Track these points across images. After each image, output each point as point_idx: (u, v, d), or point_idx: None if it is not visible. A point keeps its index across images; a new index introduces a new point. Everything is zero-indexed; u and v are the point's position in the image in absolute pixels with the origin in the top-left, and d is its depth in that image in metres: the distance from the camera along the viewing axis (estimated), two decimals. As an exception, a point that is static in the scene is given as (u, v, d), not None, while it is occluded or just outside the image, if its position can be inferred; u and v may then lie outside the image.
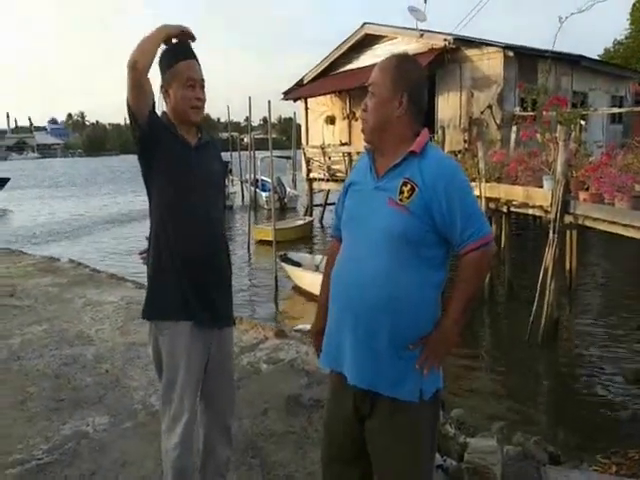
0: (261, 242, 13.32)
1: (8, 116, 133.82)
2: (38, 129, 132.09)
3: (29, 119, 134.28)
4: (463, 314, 1.62)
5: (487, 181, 8.15)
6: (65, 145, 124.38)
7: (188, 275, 2.01)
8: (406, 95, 1.62)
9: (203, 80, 2.03)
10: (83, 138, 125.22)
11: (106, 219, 19.91)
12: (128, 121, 1.95)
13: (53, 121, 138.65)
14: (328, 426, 1.82)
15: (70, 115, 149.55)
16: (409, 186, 1.57)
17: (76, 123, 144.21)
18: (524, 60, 12.23)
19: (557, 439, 4.11)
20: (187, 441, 2.02)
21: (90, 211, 22.49)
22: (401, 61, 1.67)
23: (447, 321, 1.61)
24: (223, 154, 2.47)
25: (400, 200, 1.57)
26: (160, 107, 2.08)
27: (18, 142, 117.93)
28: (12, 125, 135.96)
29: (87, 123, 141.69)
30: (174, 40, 1.98)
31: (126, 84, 1.85)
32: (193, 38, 2.02)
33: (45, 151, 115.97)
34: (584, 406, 5.14)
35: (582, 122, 8.93)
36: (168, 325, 2.02)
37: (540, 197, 7.02)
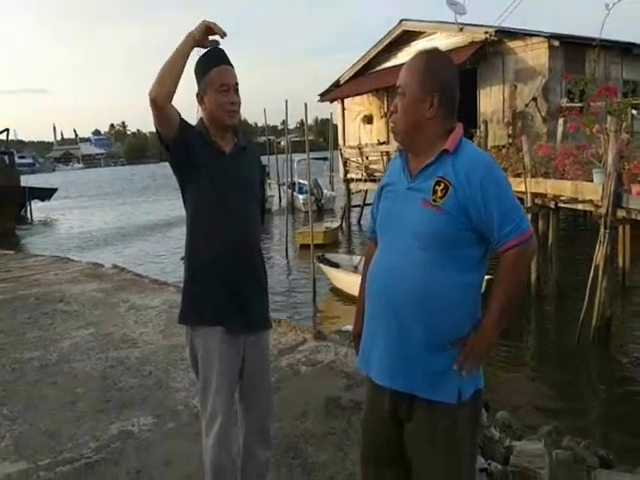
0: (304, 246, 12.69)
1: (55, 128, 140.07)
2: (83, 140, 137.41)
3: (74, 131, 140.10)
4: (504, 314, 1.56)
5: (533, 176, 7.90)
6: (108, 155, 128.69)
7: (221, 281, 2.03)
8: (437, 95, 1.57)
9: (237, 84, 2.05)
10: (125, 147, 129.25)
11: (148, 225, 20.49)
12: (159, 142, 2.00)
13: (96, 132, 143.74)
14: (365, 427, 1.81)
15: (112, 125, 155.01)
16: (442, 185, 1.53)
17: (118, 133, 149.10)
18: (571, 49, 11.78)
19: (609, 442, 3.94)
20: (224, 441, 2.04)
21: (132, 218, 23.20)
22: (429, 60, 1.61)
23: (487, 321, 1.56)
24: (260, 158, 2.48)
25: (434, 200, 1.53)
26: (197, 115, 2.11)
27: (64, 153, 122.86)
28: (58, 137, 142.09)
29: (128, 132, 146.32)
30: (210, 38, 1.96)
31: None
32: (222, 33, 1.96)
33: (89, 161, 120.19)
34: (637, 407, 4.91)
35: (634, 111, 8.55)
36: (202, 328, 2.05)
37: (590, 191, 6.76)
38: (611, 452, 3.06)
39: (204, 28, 1.90)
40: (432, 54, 1.64)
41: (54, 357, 4.33)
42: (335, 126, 20.48)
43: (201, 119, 2.08)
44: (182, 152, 1.98)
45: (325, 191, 21.24)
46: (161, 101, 1.86)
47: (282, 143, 26.04)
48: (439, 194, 1.52)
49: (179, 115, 1.95)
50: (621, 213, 6.21)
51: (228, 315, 2.03)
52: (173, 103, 1.93)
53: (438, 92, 1.57)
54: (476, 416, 1.67)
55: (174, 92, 1.88)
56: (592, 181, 6.76)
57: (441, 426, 1.56)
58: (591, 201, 6.83)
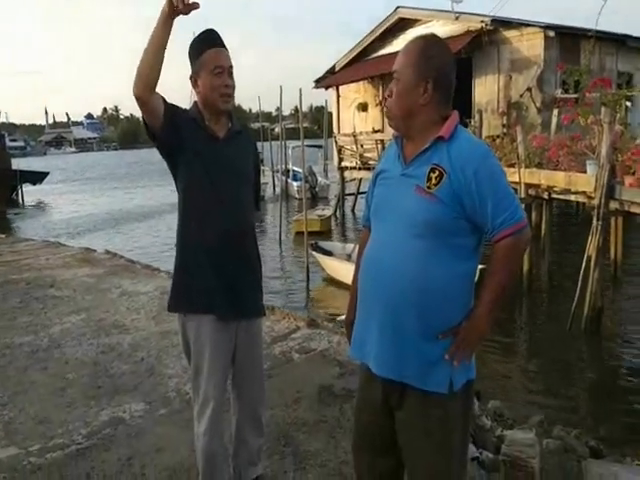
0: (300, 234, 12.46)
1: (46, 112, 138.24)
2: (75, 124, 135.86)
3: (66, 114, 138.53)
4: (496, 304, 1.55)
5: (527, 167, 7.90)
6: (101, 139, 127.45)
7: (213, 268, 2.00)
8: (431, 82, 1.55)
9: (231, 67, 2.01)
10: (118, 131, 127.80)
11: (139, 211, 20.30)
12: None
13: (89, 116, 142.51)
14: (358, 416, 1.80)
15: (105, 109, 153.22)
16: (437, 172, 1.51)
17: (111, 117, 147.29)
18: (566, 40, 11.77)
19: (599, 432, 3.98)
20: (216, 428, 2.04)
21: (124, 203, 22.97)
22: (426, 46, 1.59)
23: (479, 311, 1.55)
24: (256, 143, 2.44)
25: (428, 187, 1.51)
26: (190, 99, 2.06)
27: (56, 137, 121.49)
28: (50, 120, 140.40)
29: (121, 117, 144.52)
30: (180, 4, 1.75)
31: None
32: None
33: (82, 145, 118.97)
34: (627, 398, 4.99)
35: (628, 103, 8.56)
36: (194, 316, 2.04)
37: (583, 182, 6.78)
38: (601, 442, 3.09)
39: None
40: (429, 40, 1.62)
41: (45, 342, 4.30)
42: (330, 113, 20.36)
43: (195, 103, 2.04)
44: (171, 139, 1.94)
45: (319, 179, 21.18)
46: (145, 96, 1.82)
47: (276, 130, 25.84)
48: (433, 181, 1.51)
49: (164, 102, 1.91)
50: (614, 205, 6.23)
51: (221, 303, 2.01)
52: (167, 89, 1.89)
53: (433, 78, 1.55)
54: (468, 406, 1.67)
55: (156, 82, 1.82)
56: (585, 172, 6.77)
57: (433, 416, 1.56)
58: (584, 192, 6.85)
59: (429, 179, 1.51)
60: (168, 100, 1.95)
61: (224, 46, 2.00)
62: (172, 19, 1.79)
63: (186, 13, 1.78)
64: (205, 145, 1.99)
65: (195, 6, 1.77)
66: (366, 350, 1.66)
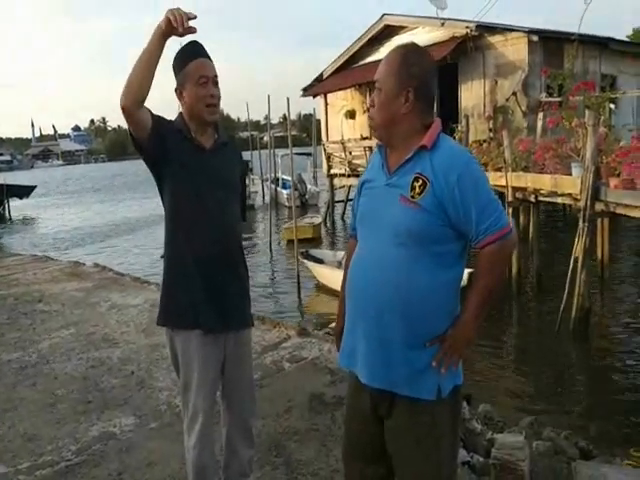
0: (291, 242, 12.34)
1: (33, 125, 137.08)
2: (62, 136, 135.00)
3: (53, 127, 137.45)
4: (483, 309, 1.57)
5: (514, 170, 7.97)
6: (88, 151, 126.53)
7: (201, 278, 2.00)
8: (412, 91, 1.56)
9: (216, 77, 2.01)
10: (106, 143, 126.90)
11: (127, 223, 20.16)
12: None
13: (76, 128, 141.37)
14: (347, 425, 1.80)
15: (92, 121, 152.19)
16: (420, 181, 1.52)
17: (98, 129, 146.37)
18: (550, 44, 11.93)
19: (589, 433, 4.00)
20: (206, 440, 2.04)
21: (111, 216, 22.80)
22: (406, 55, 1.60)
23: (465, 317, 1.56)
24: (243, 153, 2.45)
25: (412, 197, 1.52)
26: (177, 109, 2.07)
27: (43, 150, 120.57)
28: (37, 134, 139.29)
29: (109, 128, 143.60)
30: (185, 25, 1.79)
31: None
32: (184, 21, 1.77)
33: (69, 158, 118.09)
34: (616, 398, 5.02)
35: (611, 106, 8.68)
36: (182, 329, 2.03)
37: (569, 185, 6.84)
38: (591, 443, 3.11)
39: (166, 19, 1.77)
40: (409, 49, 1.63)
41: (33, 358, 4.25)
42: (318, 121, 20.42)
43: (180, 114, 2.05)
44: (157, 151, 1.94)
45: (309, 186, 21.20)
46: (131, 109, 1.81)
47: (265, 138, 25.85)
48: (417, 190, 1.52)
49: (151, 115, 1.91)
50: (599, 206, 6.28)
51: (209, 316, 2.01)
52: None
53: (414, 87, 1.57)
54: (456, 412, 1.67)
55: (145, 97, 1.83)
56: (571, 175, 6.84)
57: (421, 422, 1.57)
58: (570, 195, 6.92)
59: (413, 188, 1.53)
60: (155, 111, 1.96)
61: (208, 57, 2.01)
62: (166, 38, 1.81)
63: (181, 35, 1.81)
64: (191, 156, 1.99)
65: (192, 30, 1.80)
66: (354, 359, 1.66)
